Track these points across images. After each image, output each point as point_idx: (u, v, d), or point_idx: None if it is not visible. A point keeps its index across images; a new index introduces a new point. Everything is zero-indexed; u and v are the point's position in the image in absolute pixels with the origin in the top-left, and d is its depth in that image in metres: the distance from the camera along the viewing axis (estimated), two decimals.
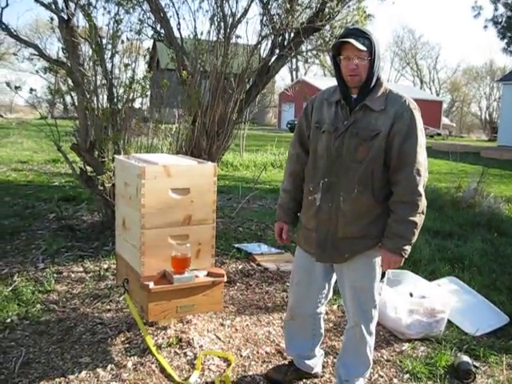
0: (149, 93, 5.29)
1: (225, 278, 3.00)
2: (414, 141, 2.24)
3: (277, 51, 5.28)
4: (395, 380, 2.90)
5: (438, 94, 57.32)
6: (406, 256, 2.32)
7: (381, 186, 2.31)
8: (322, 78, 36.79)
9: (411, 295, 3.59)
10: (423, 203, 2.27)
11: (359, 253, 2.38)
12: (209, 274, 2.97)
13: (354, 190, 2.29)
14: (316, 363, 2.80)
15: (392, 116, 2.24)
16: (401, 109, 2.25)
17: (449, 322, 3.55)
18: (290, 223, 2.62)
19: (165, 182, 2.83)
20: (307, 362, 2.76)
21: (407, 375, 2.95)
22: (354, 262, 2.40)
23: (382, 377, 2.93)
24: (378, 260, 2.42)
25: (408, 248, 2.30)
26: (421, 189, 2.25)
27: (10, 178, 8.76)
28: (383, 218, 2.34)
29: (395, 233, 2.28)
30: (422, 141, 2.28)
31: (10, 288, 3.77)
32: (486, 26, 19.06)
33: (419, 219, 2.28)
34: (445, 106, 51.00)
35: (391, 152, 2.26)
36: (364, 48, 2.20)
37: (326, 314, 3.65)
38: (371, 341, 2.54)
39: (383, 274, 2.49)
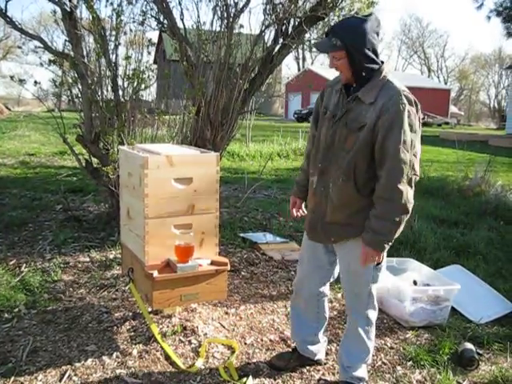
0: (155, 84, 5.29)
1: (228, 267, 3.02)
2: (396, 137, 2.15)
3: (280, 40, 5.26)
4: (398, 367, 2.91)
5: (445, 83, 56.85)
6: (383, 252, 2.31)
7: (365, 179, 2.29)
8: (328, 68, 36.50)
9: (415, 283, 3.60)
10: (404, 201, 2.19)
11: (346, 239, 2.41)
12: (212, 263, 2.99)
13: (339, 179, 2.32)
14: (319, 349, 2.83)
15: (378, 109, 2.18)
16: (388, 103, 2.16)
17: (453, 309, 3.56)
18: (303, 198, 2.75)
19: (168, 171, 2.85)
20: (310, 347, 2.78)
21: (410, 362, 2.96)
22: (348, 245, 2.42)
23: (385, 364, 2.95)
24: None
25: (385, 245, 2.27)
26: (401, 186, 2.17)
27: (17, 170, 8.81)
28: (369, 210, 2.30)
29: (372, 227, 2.26)
30: (408, 137, 2.17)
31: (18, 278, 3.81)
32: (489, 17, 18.55)
33: (399, 217, 2.21)
34: (453, 94, 50.61)
35: (375, 146, 2.22)
36: (333, 49, 2.21)
37: (330, 302, 3.67)
38: (368, 326, 2.54)
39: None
